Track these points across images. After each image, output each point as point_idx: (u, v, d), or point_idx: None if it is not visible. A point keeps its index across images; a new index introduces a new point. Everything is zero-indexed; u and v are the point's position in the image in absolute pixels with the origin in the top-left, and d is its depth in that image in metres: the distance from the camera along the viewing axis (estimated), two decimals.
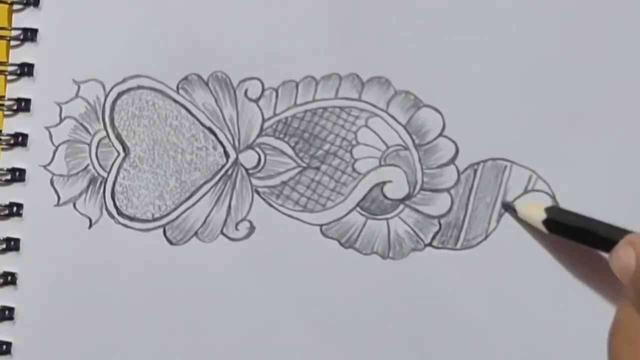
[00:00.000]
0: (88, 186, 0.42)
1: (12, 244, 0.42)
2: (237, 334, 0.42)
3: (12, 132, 0.42)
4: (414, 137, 0.42)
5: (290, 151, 0.42)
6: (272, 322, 0.42)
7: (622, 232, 0.37)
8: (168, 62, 0.42)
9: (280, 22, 0.42)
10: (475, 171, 0.42)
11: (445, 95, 0.42)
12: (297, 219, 0.42)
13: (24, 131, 0.42)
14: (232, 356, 0.42)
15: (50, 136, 0.42)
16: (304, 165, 0.42)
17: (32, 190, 0.42)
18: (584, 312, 0.41)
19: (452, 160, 0.42)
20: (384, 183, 0.42)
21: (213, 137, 0.42)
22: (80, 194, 0.42)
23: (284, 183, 0.42)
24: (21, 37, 0.42)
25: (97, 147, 0.42)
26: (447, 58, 0.42)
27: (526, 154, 0.41)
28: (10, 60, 0.42)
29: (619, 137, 0.41)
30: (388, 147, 0.42)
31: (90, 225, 0.42)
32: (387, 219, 0.42)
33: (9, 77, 0.42)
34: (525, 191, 0.41)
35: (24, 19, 0.42)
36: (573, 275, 0.41)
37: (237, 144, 0.42)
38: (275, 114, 0.42)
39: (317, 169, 0.42)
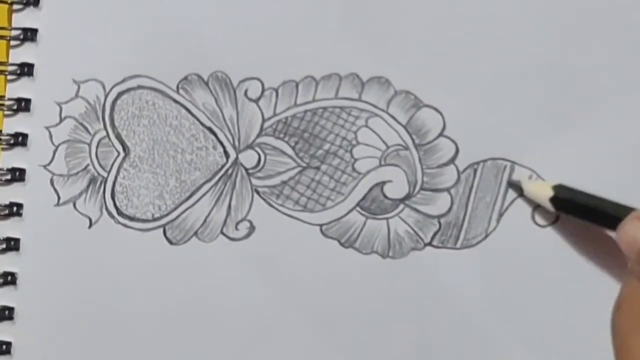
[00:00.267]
0: (88, 186, 0.42)
1: (12, 244, 0.42)
2: (237, 333, 0.42)
3: (12, 132, 0.42)
4: (414, 137, 0.42)
5: (290, 151, 0.42)
6: (272, 321, 0.42)
7: (629, 210, 0.37)
8: (168, 62, 0.42)
9: (280, 22, 0.42)
10: (475, 171, 0.42)
11: (445, 95, 0.42)
12: (297, 218, 0.42)
13: (24, 131, 0.42)
14: (232, 356, 0.42)
15: (50, 136, 0.42)
16: (304, 165, 0.42)
17: (32, 190, 0.42)
18: (584, 311, 0.41)
19: (452, 160, 0.42)
20: (384, 183, 0.42)
21: (213, 137, 0.42)
22: (80, 194, 0.42)
23: (284, 183, 0.42)
24: (21, 37, 0.42)
25: (97, 146, 0.42)
26: (447, 58, 0.42)
27: (526, 154, 0.41)
28: (10, 60, 0.42)
29: (619, 136, 0.41)
30: (388, 147, 0.42)
31: (90, 225, 0.42)
32: (387, 219, 0.42)
33: (9, 77, 0.42)
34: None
35: (24, 19, 0.42)
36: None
37: (237, 143, 0.42)
38: (275, 114, 0.42)
39: (317, 168, 0.42)
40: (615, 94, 0.42)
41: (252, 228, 0.42)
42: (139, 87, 0.42)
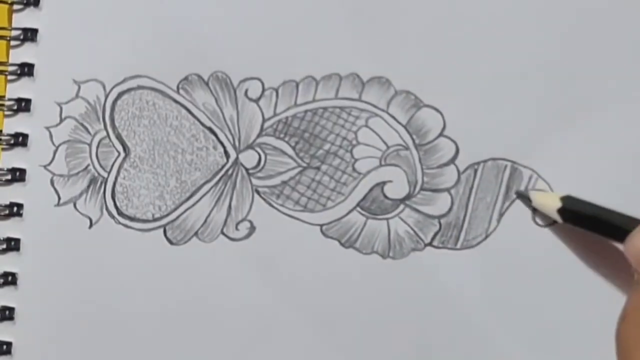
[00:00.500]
0: (88, 186, 0.42)
1: (12, 244, 0.42)
2: (237, 333, 0.42)
3: (12, 132, 0.42)
4: (414, 137, 0.42)
5: (290, 151, 0.42)
6: (272, 321, 0.42)
7: (637, 222, 0.37)
8: (168, 62, 0.42)
9: (280, 22, 0.42)
10: (476, 171, 0.42)
11: (445, 95, 0.42)
12: (298, 218, 0.42)
13: (24, 131, 0.42)
14: (232, 356, 0.42)
15: (51, 136, 0.42)
16: (304, 165, 0.42)
17: (32, 190, 0.42)
18: (584, 312, 0.41)
19: (452, 160, 0.42)
20: (384, 183, 0.42)
21: (213, 137, 0.42)
22: (80, 194, 0.42)
23: (284, 183, 0.42)
24: (21, 37, 0.42)
25: (98, 147, 0.42)
26: (447, 58, 0.42)
27: (526, 154, 0.41)
28: (10, 60, 0.42)
29: (619, 136, 0.41)
30: (388, 147, 0.42)
31: (91, 225, 0.42)
32: (387, 219, 0.42)
33: (9, 77, 0.42)
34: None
35: (24, 19, 0.42)
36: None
37: (237, 143, 0.42)
38: (275, 114, 0.42)
39: (318, 168, 0.42)
40: (615, 94, 0.42)
41: (252, 228, 0.42)
42: (139, 87, 0.42)
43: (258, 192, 0.42)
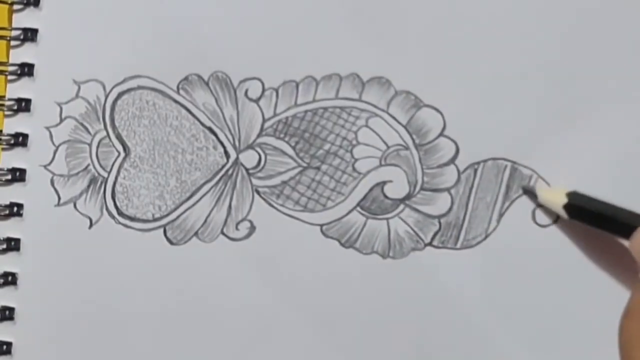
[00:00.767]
0: (88, 186, 0.42)
1: (13, 244, 0.42)
2: (237, 333, 0.42)
3: (12, 132, 0.42)
4: (414, 137, 0.42)
5: (290, 151, 0.42)
6: (272, 321, 0.42)
7: None
8: (168, 62, 0.42)
9: (280, 22, 0.42)
10: (476, 171, 0.42)
11: (445, 95, 0.42)
12: (298, 218, 0.42)
13: (25, 131, 0.42)
14: (233, 356, 0.42)
15: (51, 136, 0.42)
16: (305, 165, 0.42)
17: (32, 190, 0.42)
18: (585, 312, 0.41)
19: (452, 160, 0.42)
20: (384, 183, 0.42)
21: (213, 137, 0.42)
22: (80, 194, 0.42)
23: (284, 183, 0.42)
24: (21, 37, 0.42)
25: (98, 147, 0.42)
26: (447, 58, 0.42)
27: (526, 154, 0.41)
28: (10, 60, 0.42)
29: (619, 136, 0.41)
30: (388, 147, 0.42)
31: (91, 225, 0.42)
32: (387, 219, 0.42)
33: (9, 77, 0.42)
34: (526, 191, 0.41)
35: (24, 19, 0.42)
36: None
37: (237, 143, 0.42)
38: (275, 114, 0.42)
39: (318, 168, 0.42)
40: (615, 94, 0.42)
41: (252, 228, 0.42)
42: (139, 87, 0.42)
43: (258, 192, 0.42)
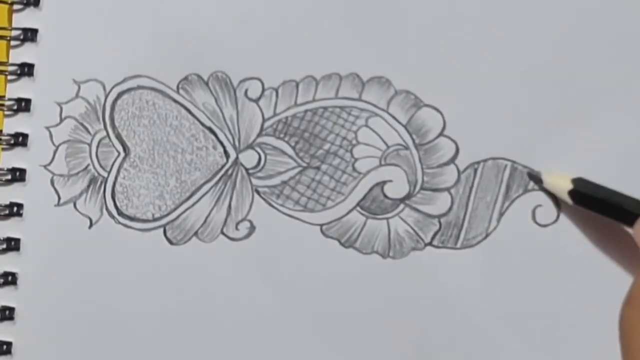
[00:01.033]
0: (88, 186, 0.42)
1: (13, 244, 0.42)
2: (237, 333, 0.42)
3: (12, 132, 0.42)
4: (414, 136, 0.42)
5: (290, 151, 0.42)
6: (272, 321, 0.42)
7: None
8: (168, 62, 0.42)
9: (280, 22, 0.42)
10: (476, 170, 0.42)
11: (445, 95, 0.42)
12: (298, 218, 0.42)
13: (24, 131, 0.42)
14: (233, 356, 0.42)
15: (51, 136, 0.42)
16: (304, 164, 0.42)
17: (32, 190, 0.42)
18: (585, 312, 0.41)
19: (452, 160, 0.42)
20: (384, 182, 0.42)
21: (213, 137, 0.42)
22: (80, 194, 0.42)
23: (284, 183, 0.42)
24: (21, 37, 0.42)
25: (98, 147, 0.42)
26: (447, 58, 0.42)
27: (526, 154, 0.41)
28: (10, 60, 0.42)
29: (619, 136, 0.41)
30: (388, 147, 0.42)
31: (91, 225, 0.42)
32: (387, 219, 0.42)
33: (9, 77, 0.42)
34: (526, 190, 0.41)
35: (24, 19, 0.42)
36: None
37: (237, 143, 0.42)
38: (275, 114, 0.42)
39: (318, 168, 0.42)
40: (615, 94, 0.42)
41: (252, 228, 0.42)
42: (139, 87, 0.42)
43: (258, 192, 0.42)
